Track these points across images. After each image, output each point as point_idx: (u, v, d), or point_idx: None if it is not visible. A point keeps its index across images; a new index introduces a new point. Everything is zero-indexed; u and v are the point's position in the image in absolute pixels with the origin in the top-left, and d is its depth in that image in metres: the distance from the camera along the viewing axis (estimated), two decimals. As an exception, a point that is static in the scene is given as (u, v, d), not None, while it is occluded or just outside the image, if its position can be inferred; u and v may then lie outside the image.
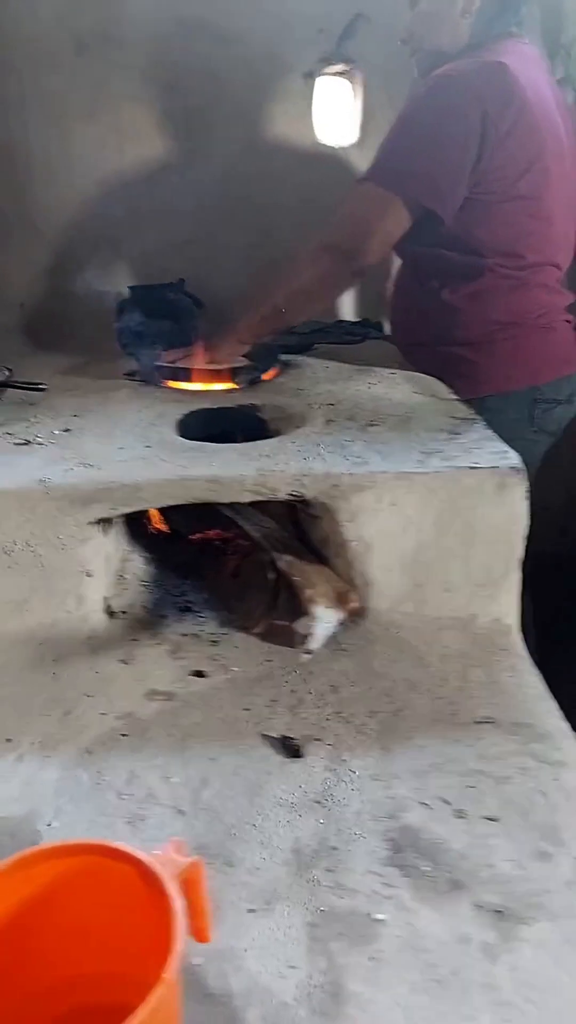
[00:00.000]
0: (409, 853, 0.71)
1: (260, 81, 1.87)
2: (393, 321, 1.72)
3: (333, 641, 1.01)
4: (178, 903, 0.48)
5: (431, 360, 1.55)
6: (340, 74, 1.76)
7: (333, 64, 1.75)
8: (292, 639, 1.03)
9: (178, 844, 0.53)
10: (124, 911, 0.52)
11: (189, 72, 1.86)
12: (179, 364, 1.52)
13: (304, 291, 1.50)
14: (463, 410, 1.26)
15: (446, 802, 0.77)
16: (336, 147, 1.87)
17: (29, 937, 0.52)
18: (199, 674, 0.98)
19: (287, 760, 0.83)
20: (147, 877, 0.50)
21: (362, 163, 1.95)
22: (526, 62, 1.37)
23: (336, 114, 1.80)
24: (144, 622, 1.09)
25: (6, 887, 0.51)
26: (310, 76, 1.78)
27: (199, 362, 1.54)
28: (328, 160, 1.94)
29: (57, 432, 1.21)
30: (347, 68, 1.75)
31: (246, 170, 1.95)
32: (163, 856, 0.52)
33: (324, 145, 1.89)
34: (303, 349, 1.75)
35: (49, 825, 0.74)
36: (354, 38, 1.71)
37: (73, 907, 0.53)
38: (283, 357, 1.64)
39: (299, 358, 1.69)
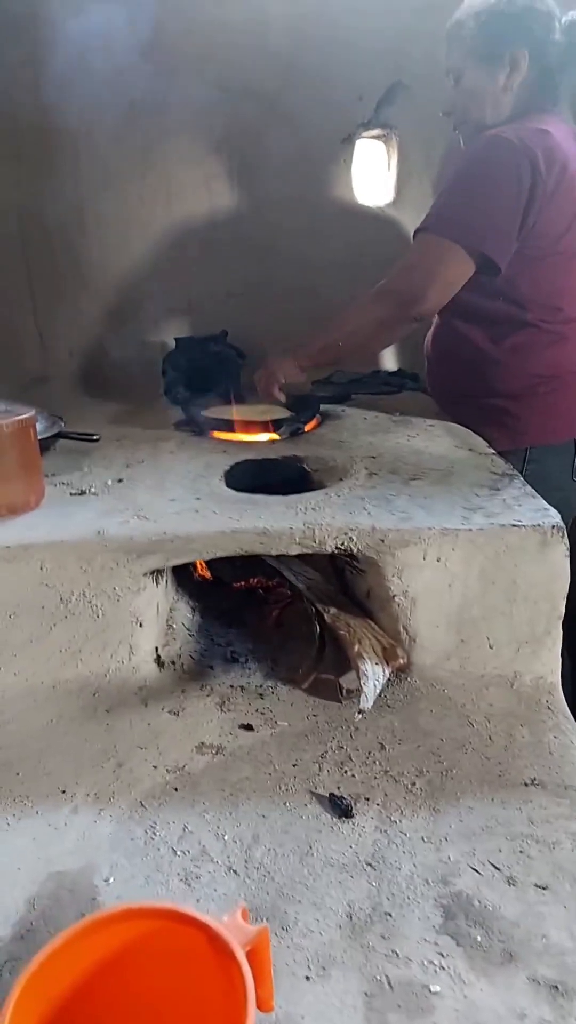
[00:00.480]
0: (462, 921, 0.71)
1: (302, 143, 1.94)
2: (431, 372, 1.75)
3: (378, 697, 1.02)
4: (248, 975, 0.49)
5: (471, 411, 1.58)
6: (378, 137, 1.82)
7: (371, 128, 1.81)
8: (338, 693, 1.04)
9: (244, 910, 0.55)
10: (192, 978, 0.53)
11: (234, 134, 1.94)
12: (226, 414, 1.57)
13: (363, 331, 1.56)
14: (502, 465, 1.28)
15: (496, 867, 0.77)
16: (374, 206, 1.93)
17: (100, 1002, 0.54)
18: (247, 727, 0.99)
19: (337, 819, 0.84)
20: (216, 944, 0.52)
21: (402, 221, 2.02)
22: (563, 133, 1.43)
23: (374, 175, 1.85)
24: (192, 672, 1.11)
25: (79, 950, 0.53)
26: (349, 140, 1.85)
27: (261, 387, 1.63)
28: (366, 218, 2.00)
29: (110, 482, 1.25)
30: (385, 132, 1.81)
31: (288, 227, 2.01)
32: (231, 923, 0.53)
33: (362, 204, 1.95)
34: (342, 399, 1.79)
35: (106, 881, 0.76)
36: (392, 104, 1.78)
37: (142, 972, 0.54)
38: (323, 408, 1.67)
39: (339, 409, 1.72)
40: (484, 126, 1.47)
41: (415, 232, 1.49)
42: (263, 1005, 0.58)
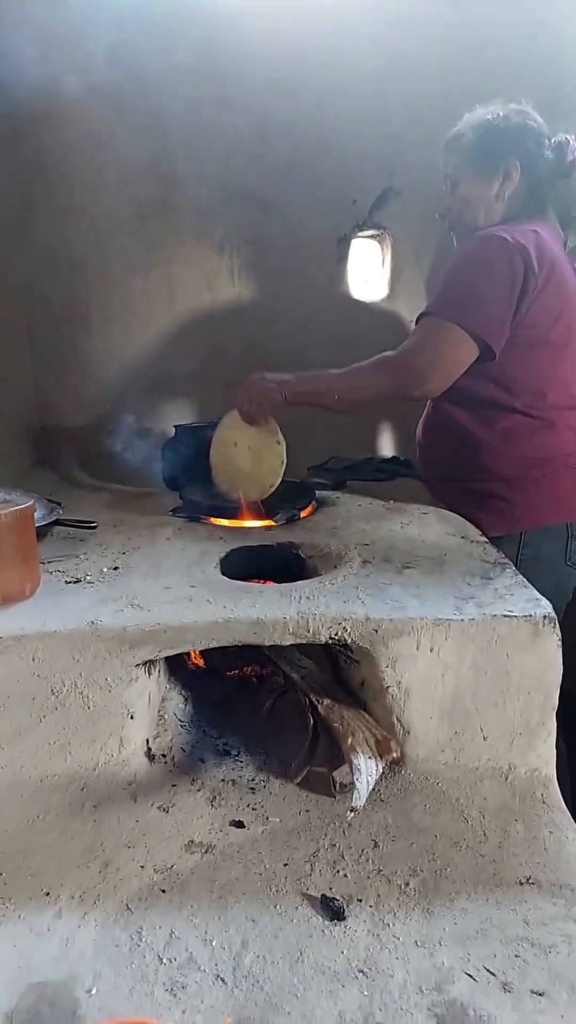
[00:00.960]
0: (457, 1033, 0.68)
1: (298, 243, 2.05)
2: (424, 458, 1.79)
3: (372, 791, 1.00)
4: None
5: (464, 496, 1.61)
6: (372, 237, 1.93)
7: (365, 229, 1.91)
8: (331, 787, 1.03)
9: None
10: None
11: (234, 235, 2.05)
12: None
13: (359, 394, 1.60)
14: (494, 553, 1.30)
15: (492, 973, 0.74)
16: (368, 301, 2.02)
17: None
18: (238, 824, 0.97)
19: (329, 923, 0.81)
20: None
21: (396, 314, 2.11)
22: (550, 234, 1.53)
23: (368, 272, 1.95)
24: (183, 766, 1.10)
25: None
26: (344, 240, 1.95)
27: (248, 407, 1.66)
28: (359, 313, 2.09)
29: (106, 570, 1.26)
30: (378, 233, 1.91)
31: (284, 322, 2.10)
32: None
33: (356, 299, 2.04)
34: (336, 486, 1.82)
35: (89, 992, 0.73)
36: (384, 208, 1.88)
37: None
38: (318, 494, 1.70)
39: (333, 495, 1.75)
40: (477, 228, 1.57)
41: (419, 316, 1.54)
42: None
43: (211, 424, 1.95)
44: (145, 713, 1.10)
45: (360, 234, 1.95)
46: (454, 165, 1.60)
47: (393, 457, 2.05)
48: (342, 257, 1.98)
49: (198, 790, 1.04)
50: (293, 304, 2.09)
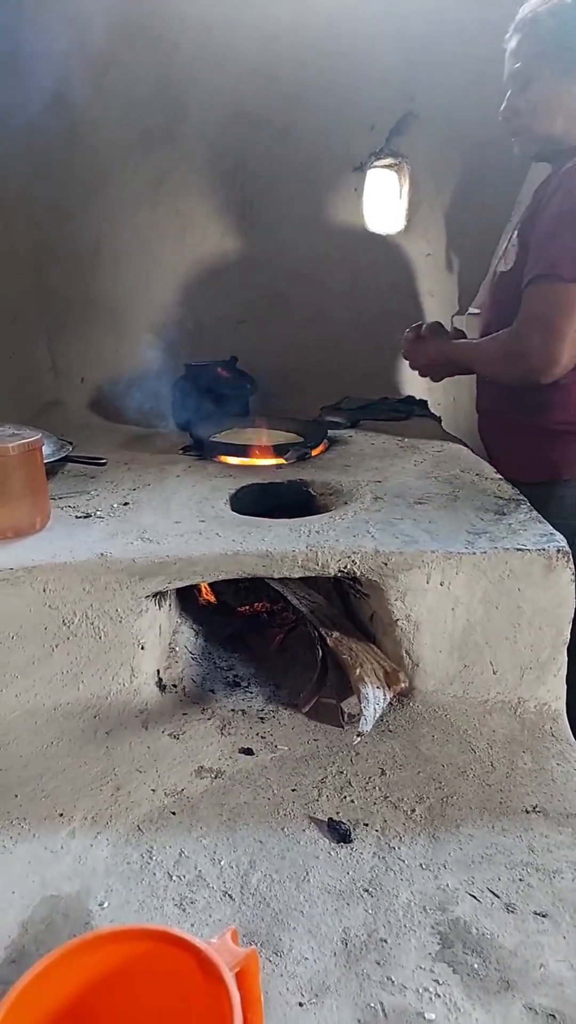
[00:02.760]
0: (459, 948, 0.70)
1: (313, 172, 1.97)
2: (485, 395, 1.66)
3: (380, 721, 1.01)
4: (235, 995, 0.48)
5: (533, 437, 1.48)
6: (390, 167, 1.86)
7: (383, 157, 1.84)
8: (339, 718, 1.03)
9: (235, 933, 0.54)
10: (181, 999, 0.53)
11: (246, 164, 1.98)
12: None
13: (483, 371, 1.54)
14: (509, 490, 1.28)
15: (496, 895, 0.76)
16: (384, 234, 1.96)
17: (91, 1021, 0.53)
18: (247, 751, 0.99)
19: (335, 845, 0.83)
20: (205, 966, 0.51)
21: (411, 248, 2.04)
22: None
23: (384, 203, 1.88)
24: (193, 696, 1.11)
25: (68, 970, 0.52)
26: (360, 168, 1.88)
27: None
28: (375, 245, 2.02)
29: (116, 505, 1.26)
30: (396, 161, 1.84)
31: (297, 255, 2.04)
32: (220, 945, 0.53)
33: (371, 231, 1.98)
34: (349, 425, 1.80)
35: (101, 905, 0.75)
36: (403, 134, 1.81)
37: (131, 994, 0.54)
38: (331, 433, 1.68)
39: (346, 434, 1.73)
40: (551, 139, 1.35)
41: (531, 280, 1.32)
42: (251, 1031, 0.57)
43: (221, 362, 1.93)
44: (156, 644, 1.11)
45: (377, 163, 1.87)
46: (528, 57, 1.32)
47: (408, 397, 2.01)
48: (358, 187, 1.90)
49: (208, 719, 1.05)
50: (307, 236, 2.03)
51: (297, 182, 2.00)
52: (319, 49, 1.87)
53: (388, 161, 1.90)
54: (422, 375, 1.68)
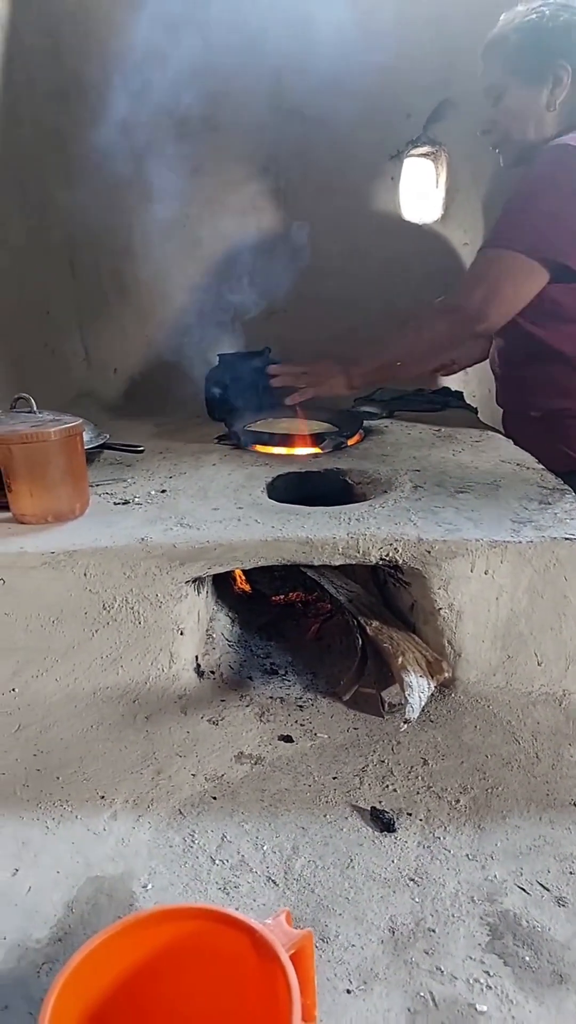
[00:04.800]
0: (509, 940, 0.69)
1: (349, 162, 1.96)
2: (506, 387, 1.70)
3: (421, 711, 1.00)
4: (293, 977, 0.48)
5: (556, 425, 1.53)
6: (426, 155, 1.83)
7: (420, 145, 1.82)
8: (380, 707, 1.02)
9: (288, 915, 0.54)
10: (234, 980, 0.52)
11: (281, 154, 1.97)
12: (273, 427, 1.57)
13: (420, 348, 1.54)
14: (553, 480, 1.26)
15: (545, 888, 0.74)
16: (420, 223, 1.94)
17: (139, 1002, 0.53)
18: (287, 739, 0.98)
19: (378, 833, 0.82)
20: (260, 947, 0.50)
21: (448, 237, 2.02)
22: None
23: (421, 192, 1.86)
24: (232, 683, 1.10)
25: (121, 948, 0.52)
26: (397, 157, 1.86)
27: (300, 407, 1.59)
28: (410, 235, 2.00)
29: (153, 493, 1.26)
30: (433, 149, 1.82)
31: (332, 245, 2.03)
32: (275, 926, 0.52)
33: (407, 220, 1.96)
34: (385, 416, 1.78)
35: (144, 887, 0.75)
36: (441, 122, 1.78)
37: (183, 973, 0.53)
38: (366, 423, 1.67)
39: (382, 424, 1.72)
40: (527, 145, 1.46)
41: (482, 247, 1.46)
42: (306, 1014, 0.56)
43: (255, 352, 1.92)
44: (195, 630, 1.10)
45: (413, 151, 1.85)
46: (496, 73, 1.46)
47: (443, 388, 1.99)
48: (394, 175, 1.88)
49: (247, 705, 1.05)
50: (342, 226, 2.01)
51: (333, 171, 1.98)
52: (356, 36, 1.85)
53: (425, 149, 1.88)
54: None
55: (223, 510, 1.16)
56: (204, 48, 1.85)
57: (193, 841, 0.82)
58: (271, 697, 1.08)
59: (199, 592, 1.12)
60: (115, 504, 1.21)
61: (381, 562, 1.04)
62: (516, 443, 1.60)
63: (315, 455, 1.50)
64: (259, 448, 1.55)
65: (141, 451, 1.47)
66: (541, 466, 1.34)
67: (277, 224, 2.03)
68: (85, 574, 1.03)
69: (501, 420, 1.69)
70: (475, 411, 1.88)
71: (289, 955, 0.51)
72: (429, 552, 1.01)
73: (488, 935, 0.69)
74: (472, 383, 2.10)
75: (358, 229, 2.02)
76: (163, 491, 1.28)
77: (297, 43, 1.85)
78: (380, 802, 0.86)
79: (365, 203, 1.99)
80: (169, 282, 2.07)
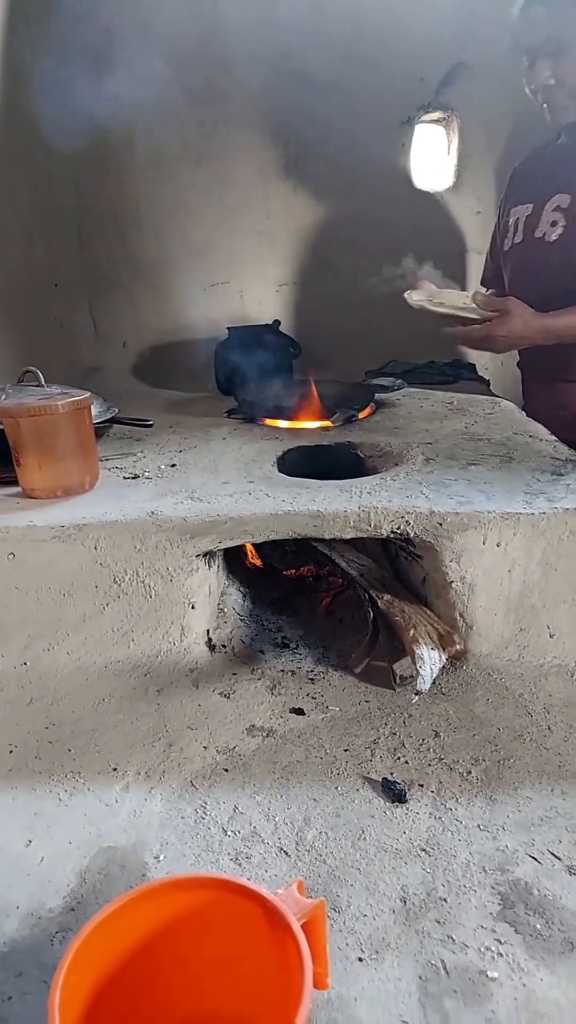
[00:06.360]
0: (520, 909, 0.69)
1: (360, 129, 1.92)
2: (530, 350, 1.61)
3: (432, 684, 1.00)
4: (304, 945, 0.48)
5: None
6: (438, 121, 1.79)
7: (432, 111, 1.78)
8: (391, 680, 1.02)
9: (300, 884, 0.54)
10: (246, 949, 0.52)
11: (291, 121, 1.93)
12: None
13: None
14: (565, 451, 1.24)
15: (557, 857, 0.74)
16: (432, 191, 1.90)
17: (152, 970, 0.53)
18: (298, 711, 0.98)
19: (390, 804, 0.82)
20: (272, 916, 0.51)
21: (459, 206, 1.98)
22: None
23: (433, 159, 1.82)
24: (243, 656, 1.10)
25: (134, 917, 0.52)
26: (409, 123, 1.82)
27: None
28: (424, 204, 1.96)
29: (163, 467, 1.26)
30: (445, 115, 1.78)
31: (342, 214, 1.99)
32: (287, 895, 0.52)
33: (420, 189, 1.92)
34: (396, 388, 1.76)
35: (157, 858, 0.75)
36: (453, 86, 1.74)
37: (195, 942, 0.54)
38: (377, 396, 1.65)
39: (393, 397, 1.70)
40: None
41: None
42: (318, 981, 0.56)
43: (264, 325, 1.90)
44: (205, 604, 1.10)
45: (425, 116, 1.81)
46: (561, 24, 1.33)
47: (455, 360, 1.97)
48: (406, 142, 1.84)
49: (258, 679, 1.05)
50: (352, 195, 1.98)
51: (343, 140, 1.94)
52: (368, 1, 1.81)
53: (437, 115, 1.84)
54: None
55: (233, 484, 1.16)
56: (213, 12, 1.81)
57: (205, 812, 0.82)
58: (282, 670, 1.08)
59: (210, 566, 1.12)
60: (125, 478, 1.21)
61: (392, 535, 1.03)
62: (544, 410, 1.56)
63: (326, 428, 1.49)
64: (269, 422, 1.53)
65: (150, 425, 1.46)
66: (554, 437, 1.32)
67: (287, 194, 2.00)
68: (95, 547, 1.03)
69: (524, 387, 1.65)
70: (487, 383, 1.86)
71: (301, 924, 0.51)
72: (441, 525, 1.00)
73: (499, 904, 0.69)
74: (484, 355, 2.07)
75: (369, 199, 1.98)
76: (173, 465, 1.27)
77: (307, 7, 1.80)
78: (392, 774, 0.86)
79: (377, 172, 1.95)
80: (177, 254, 2.05)
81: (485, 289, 1.57)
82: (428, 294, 1.45)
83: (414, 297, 1.42)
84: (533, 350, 1.53)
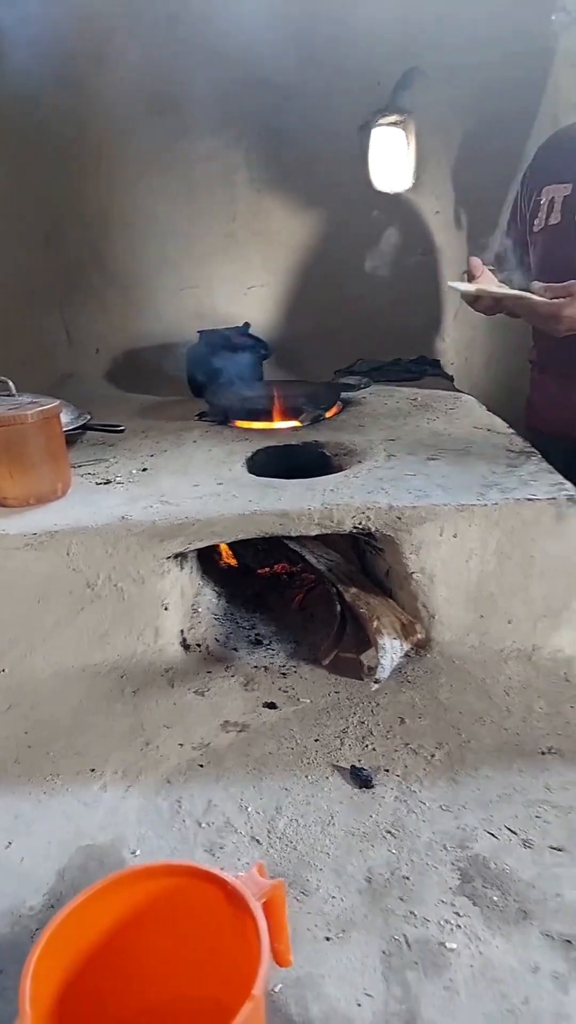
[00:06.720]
0: (479, 882, 0.72)
1: (320, 133, 1.95)
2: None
3: (399, 673, 1.03)
4: (262, 922, 0.51)
5: None
6: (395, 124, 1.82)
7: (388, 114, 1.81)
8: (359, 670, 1.06)
9: (260, 866, 0.57)
10: (210, 930, 0.55)
11: (252, 128, 1.96)
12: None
13: None
14: (520, 443, 1.28)
15: (513, 832, 0.78)
16: (392, 192, 1.93)
17: (122, 956, 0.56)
18: (271, 705, 1.01)
19: (358, 790, 0.85)
20: (233, 898, 0.54)
21: (419, 207, 2.02)
22: None
23: (391, 162, 1.85)
24: (217, 655, 1.14)
25: (101, 907, 0.55)
26: (366, 127, 1.85)
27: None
28: (385, 205, 2.00)
29: (135, 472, 1.28)
30: (402, 118, 1.81)
31: (307, 217, 2.03)
32: (247, 878, 0.55)
33: (381, 191, 1.95)
34: (363, 387, 1.80)
35: (134, 853, 0.78)
36: (408, 89, 1.77)
37: (162, 928, 0.57)
38: (344, 395, 1.69)
39: (360, 395, 1.73)
40: None
41: None
42: (280, 958, 0.60)
43: (235, 328, 1.93)
44: (179, 605, 1.13)
45: (382, 120, 1.84)
46: None
47: (420, 357, 2.00)
48: (364, 145, 1.87)
49: (232, 676, 1.08)
50: (315, 198, 2.01)
51: (304, 144, 1.97)
52: (323, 6, 1.84)
53: (393, 118, 1.87)
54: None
55: (203, 486, 1.19)
56: (172, 23, 1.83)
57: (180, 807, 0.85)
58: (256, 666, 1.11)
59: (182, 567, 1.15)
60: (97, 484, 1.24)
61: (355, 530, 1.07)
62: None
63: (295, 428, 1.52)
64: (240, 423, 1.56)
65: (121, 431, 1.49)
66: (511, 430, 1.36)
67: (251, 197, 2.02)
68: (68, 553, 1.05)
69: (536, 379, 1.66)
70: (451, 378, 1.89)
71: (261, 903, 0.54)
72: (400, 518, 1.04)
73: (459, 879, 0.73)
74: (449, 352, 2.12)
75: (332, 201, 2.01)
76: (144, 469, 1.30)
77: (265, 15, 1.83)
78: (360, 760, 0.90)
79: (338, 174, 1.98)
80: (147, 258, 2.06)
81: (498, 267, 1.54)
82: (477, 286, 1.39)
83: (462, 287, 1.37)
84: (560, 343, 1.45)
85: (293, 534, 1.08)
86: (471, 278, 1.41)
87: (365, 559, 1.27)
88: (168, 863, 0.58)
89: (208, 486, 1.18)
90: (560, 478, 1.09)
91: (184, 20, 1.82)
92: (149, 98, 1.92)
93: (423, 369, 1.91)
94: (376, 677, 0.98)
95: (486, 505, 1.02)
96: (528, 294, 1.30)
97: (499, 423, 1.41)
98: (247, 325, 1.95)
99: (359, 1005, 0.62)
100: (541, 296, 1.32)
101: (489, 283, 1.38)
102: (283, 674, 1.09)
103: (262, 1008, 0.51)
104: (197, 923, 0.57)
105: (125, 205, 2.03)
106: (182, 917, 0.57)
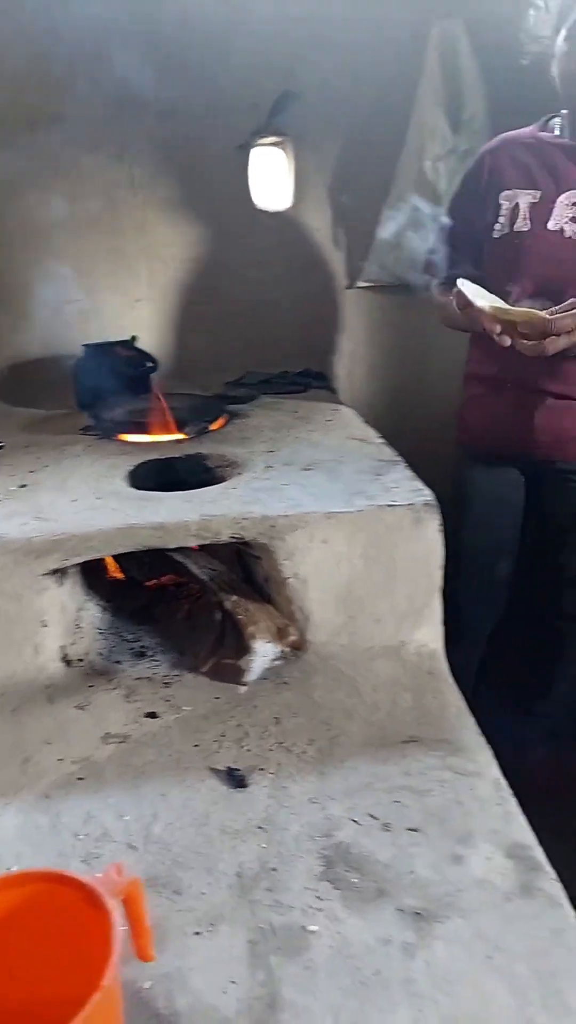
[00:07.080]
0: (340, 867, 0.77)
1: (200, 152, 1.99)
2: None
3: (276, 675, 1.08)
4: (115, 914, 0.53)
5: None
6: (275, 144, 1.88)
7: (266, 136, 1.87)
8: (238, 676, 1.09)
9: (118, 866, 0.59)
10: (75, 936, 0.57)
11: (132, 144, 1.98)
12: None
13: None
14: (389, 452, 1.35)
15: (374, 817, 0.83)
16: (273, 211, 1.99)
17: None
18: (152, 715, 1.03)
19: (233, 790, 0.89)
20: (90, 899, 0.56)
21: (300, 225, 2.09)
22: None
23: (271, 181, 1.91)
24: (100, 668, 1.15)
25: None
26: (244, 147, 1.90)
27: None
28: (268, 223, 2.06)
29: (13, 488, 1.28)
30: (279, 140, 1.87)
31: (192, 232, 2.06)
32: (104, 878, 0.58)
33: (262, 209, 2.01)
34: (249, 399, 1.84)
35: (10, 869, 0.79)
36: (284, 112, 1.84)
37: (26, 935, 0.58)
38: (230, 407, 1.72)
39: (246, 408, 1.77)
40: None
41: None
42: (142, 953, 0.62)
43: (120, 342, 1.94)
44: (59, 621, 1.14)
45: (261, 141, 1.90)
46: None
47: (306, 369, 2.07)
48: (245, 165, 1.93)
49: (114, 688, 1.10)
50: (199, 215, 2.05)
51: (187, 159, 2.01)
52: (200, 26, 1.88)
53: (272, 139, 1.93)
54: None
55: (82, 501, 1.20)
56: (49, 35, 1.83)
57: (59, 821, 0.86)
58: (138, 678, 1.13)
59: (61, 583, 1.15)
60: (-27, 503, 1.22)
61: (232, 540, 1.10)
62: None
63: (179, 441, 1.54)
64: (124, 437, 1.58)
65: (2, 447, 1.47)
66: (382, 440, 1.43)
67: (135, 212, 2.04)
68: None
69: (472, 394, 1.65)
70: (335, 391, 1.97)
71: (119, 901, 0.57)
72: (273, 527, 1.08)
73: (323, 866, 0.77)
74: (336, 364, 2.20)
75: (216, 218, 2.06)
76: (23, 486, 1.29)
77: (138, 29, 1.86)
78: (235, 762, 0.93)
79: (221, 193, 2.02)
80: (31, 272, 2.04)
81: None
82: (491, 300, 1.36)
83: (479, 302, 1.34)
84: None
85: (171, 546, 1.11)
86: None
87: (248, 567, 1.31)
88: (25, 871, 0.59)
89: (87, 500, 1.19)
90: (421, 484, 1.16)
91: (63, 34, 1.82)
92: (26, 109, 1.91)
93: (307, 382, 1.97)
94: (243, 680, 1.02)
95: (351, 512, 1.08)
96: (537, 311, 1.30)
97: (372, 434, 1.48)
98: (134, 338, 1.96)
99: (224, 993, 0.65)
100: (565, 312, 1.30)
101: (494, 300, 1.37)
102: (166, 684, 1.11)
103: (117, 1001, 0.53)
104: (61, 926, 0.59)
105: (7, 219, 2.01)
106: (47, 922, 0.59)
